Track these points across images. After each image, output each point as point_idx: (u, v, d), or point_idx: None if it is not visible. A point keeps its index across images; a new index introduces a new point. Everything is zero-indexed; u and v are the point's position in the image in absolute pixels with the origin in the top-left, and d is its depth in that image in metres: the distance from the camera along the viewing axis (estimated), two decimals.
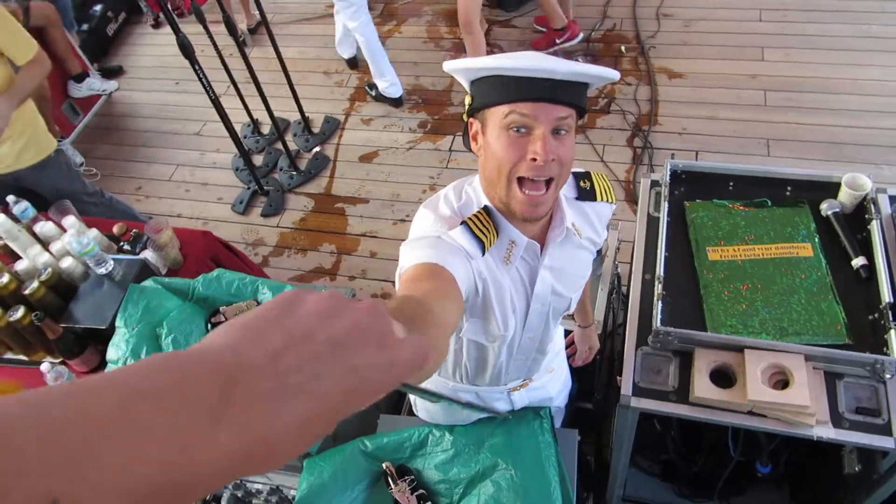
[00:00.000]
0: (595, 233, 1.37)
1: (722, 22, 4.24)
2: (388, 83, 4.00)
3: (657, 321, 1.66)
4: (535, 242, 1.25)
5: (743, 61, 3.96)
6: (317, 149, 3.95)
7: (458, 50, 4.45)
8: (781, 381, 1.56)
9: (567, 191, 1.31)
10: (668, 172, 2.00)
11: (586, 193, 1.33)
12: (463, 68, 1.13)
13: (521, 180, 1.12)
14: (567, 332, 1.98)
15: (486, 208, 1.21)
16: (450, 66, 1.14)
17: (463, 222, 1.18)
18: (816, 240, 1.83)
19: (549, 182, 1.12)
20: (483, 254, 1.17)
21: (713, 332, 1.67)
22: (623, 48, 4.20)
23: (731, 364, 1.60)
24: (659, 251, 1.82)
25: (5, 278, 2.09)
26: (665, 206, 1.91)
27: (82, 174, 2.95)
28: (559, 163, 1.10)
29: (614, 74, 1.15)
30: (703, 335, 1.64)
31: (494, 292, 1.24)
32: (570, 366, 1.94)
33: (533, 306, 1.34)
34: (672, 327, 1.65)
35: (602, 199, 1.35)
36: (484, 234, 1.18)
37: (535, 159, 1.08)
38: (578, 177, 1.34)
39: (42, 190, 2.82)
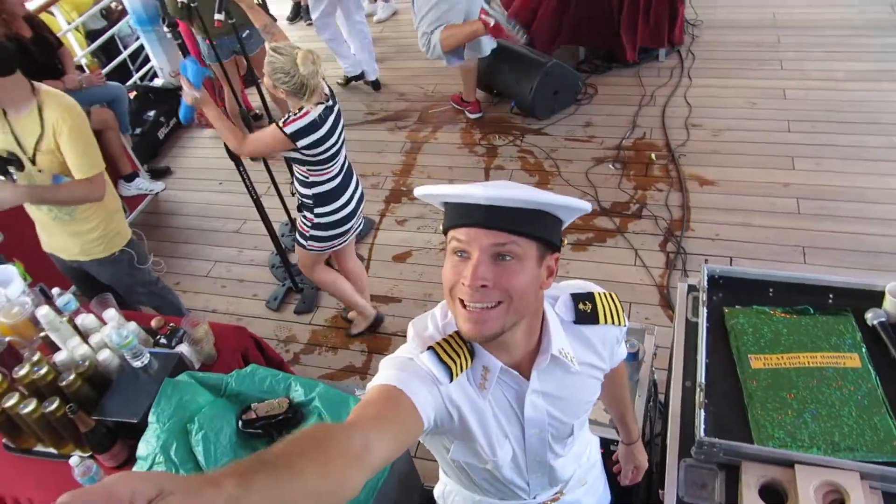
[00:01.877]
0: (598, 358, 1.32)
1: (751, 132, 4.34)
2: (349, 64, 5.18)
3: (701, 431, 1.60)
4: (510, 369, 1.20)
5: (774, 170, 4.01)
6: None
7: (491, 156, 4.59)
8: (836, 500, 1.47)
9: (565, 314, 1.28)
10: (706, 277, 1.98)
11: (587, 316, 1.28)
12: (422, 195, 1.16)
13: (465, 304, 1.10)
14: (606, 443, 1.90)
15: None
16: (417, 192, 1.18)
17: (430, 347, 1.17)
18: (864, 350, 1.78)
19: (495, 306, 1.08)
20: (451, 380, 1.15)
21: (759, 444, 1.60)
22: (653, 155, 4.29)
23: (781, 480, 1.52)
24: (699, 358, 1.78)
25: (45, 369, 2.11)
26: (704, 311, 1.88)
27: (149, 268, 3.03)
28: (501, 290, 1.07)
29: (570, 202, 1.10)
30: (751, 448, 1.57)
31: (474, 418, 1.20)
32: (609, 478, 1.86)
33: (528, 431, 1.29)
34: (717, 438, 1.58)
35: (607, 322, 1.29)
36: (453, 359, 1.15)
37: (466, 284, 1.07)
38: (578, 298, 1.29)
39: (102, 279, 2.91)
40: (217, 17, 3.06)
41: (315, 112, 2.59)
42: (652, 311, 3.32)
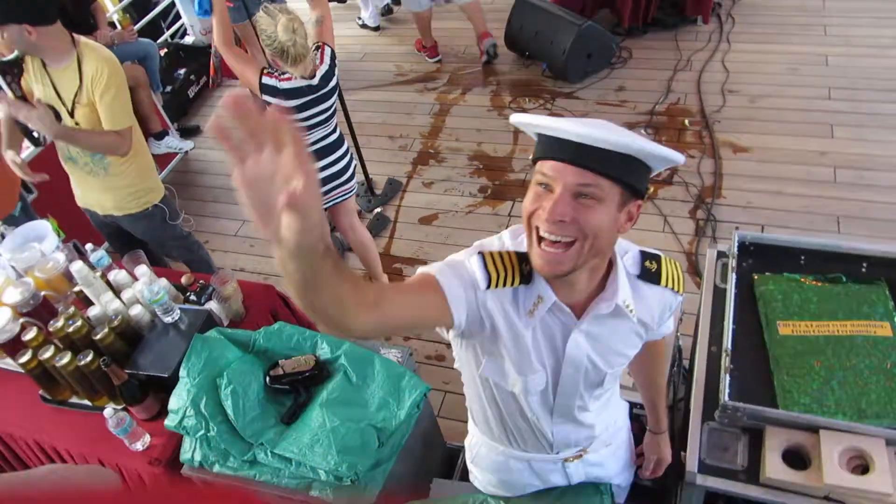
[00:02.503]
0: (650, 316, 1.33)
1: (789, 99, 4.22)
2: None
3: (725, 395, 1.59)
4: (564, 306, 1.23)
5: (811, 138, 3.90)
6: (378, 209, 4.03)
7: None
8: (860, 465, 1.46)
9: (631, 266, 1.29)
10: (736, 243, 1.96)
11: (650, 275, 1.30)
12: (518, 122, 1.16)
13: (541, 238, 1.12)
14: (637, 423, 1.89)
15: (524, 255, 1.20)
16: (514, 119, 1.18)
17: (480, 252, 1.21)
18: (895, 319, 1.75)
19: (571, 244, 1.10)
20: (488, 286, 1.18)
21: (785, 409, 1.59)
22: (687, 121, 4.20)
23: (805, 444, 1.52)
24: (726, 323, 1.76)
25: (79, 323, 2.16)
26: (733, 277, 1.86)
27: (180, 224, 3.08)
28: (577, 227, 1.08)
29: (663, 153, 1.09)
30: (775, 412, 1.56)
31: (509, 337, 1.24)
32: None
33: (566, 370, 1.31)
34: (741, 402, 1.58)
35: (667, 286, 1.31)
36: (498, 270, 1.19)
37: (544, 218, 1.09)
38: (646, 256, 1.31)
39: (135, 233, 2.97)
40: None
41: (292, 83, 2.61)
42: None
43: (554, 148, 1.08)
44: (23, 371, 2.17)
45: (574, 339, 1.27)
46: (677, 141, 4.10)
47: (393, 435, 1.90)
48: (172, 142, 4.69)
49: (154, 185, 2.91)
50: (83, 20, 4.19)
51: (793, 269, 1.93)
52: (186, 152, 4.86)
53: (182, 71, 5.19)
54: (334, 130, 2.90)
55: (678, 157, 1.12)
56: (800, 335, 1.74)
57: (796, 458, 1.53)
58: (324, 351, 2.10)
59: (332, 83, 2.71)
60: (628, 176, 1.08)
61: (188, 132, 5.04)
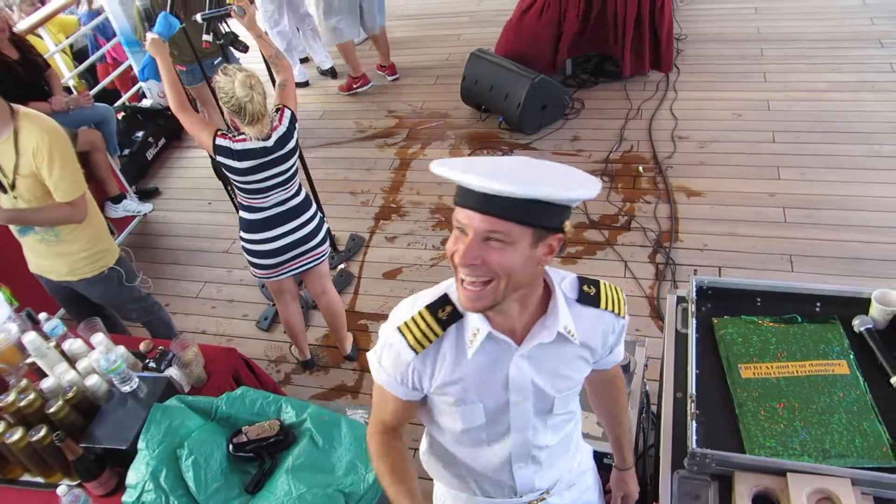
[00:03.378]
0: (593, 340, 1.36)
1: (736, 143, 4.38)
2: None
3: (692, 442, 1.60)
4: (500, 334, 1.27)
5: (760, 180, 4.05)
6: (342, 266, 4.02)
7: None
8: None
9: (569, 291, 1.33)
10: (694, 288, 1.99)
11: (589, 298, 1.34)
12: (436, 172, 1.17)
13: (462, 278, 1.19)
14: (602, 463, 1.89)
15: (434, 303, 1.30)
16: (433, 168, 1.19)
17: (398, 327, 1.30)
18: (851, 356, 1.78)
19: (488, 282, 1.16)
20: (416, 354, 1.28)
21: (751, 453, 1.60)
22: (641, 168, 4.32)
23: (773, 489, 1.52)
24: (689, 368, 1.78)
25: (31, 396, 2.09)
26: (693, 322, 1.89)
27: (138, 285, 3.01)
28: (489, 269, 1.14)
29: (569, 195, 1.11)
30: (743, 458, 1.57)
31: (451, 372, 1.30)
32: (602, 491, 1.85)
33: (513, 398, 1.33)
34: (708, 448, 1.58)
35: (607, 308, 1.35)
36: (415, 336, 1.28)
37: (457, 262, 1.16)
38: (584, 281, 1.36)
39: (91, 297, 2.90)
40: (205, 38, 3.07)
41: (245, 145, 2.59)
42: (642, 323, 3.33)
43: (465, 196, 1.13)
44: None
45: (516, 364, 1.30)
46: (633, 187, 4.20)
47: (362, 500, 1.85)
48: (130, 205, 4.64)
49: (108, 246, 2.85)
50: (38, 87, 4.16)
51: (750, 311, 1.97)
52: (145, 215, 4.80)
53: (140, 133, 5.17)
54: (297, 193, 2.84)
55: (589, 192, 1.14)
56: (761, 377, 1.77)
57: (767, 503, 1.53)
58: (289, 415, 2.06)
59: (290, 145, 2.68)
60: (537, 218, 1.12)
61: (147, 194, 5.00)
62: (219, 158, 2.62)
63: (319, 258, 3.02)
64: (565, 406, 1.42)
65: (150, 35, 2.76)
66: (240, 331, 3.74)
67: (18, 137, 2.47)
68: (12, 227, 2.73)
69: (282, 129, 2.65)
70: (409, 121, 5.32)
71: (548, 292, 1.31)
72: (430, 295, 1.33)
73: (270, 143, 2.61)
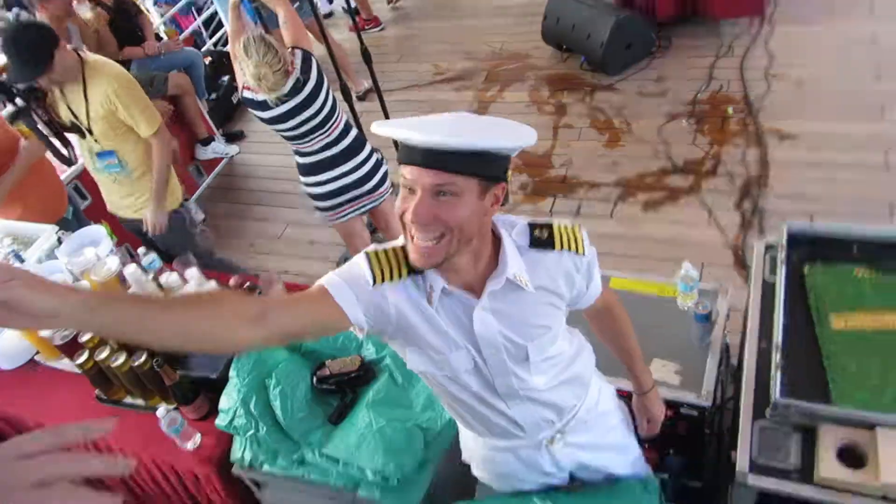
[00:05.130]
0: (552, 283, 1.34)
1: (836, 81, 4.08)
2: None
3: (776, 392, 1.56)
4: (455, 289, 1.27)
5: (861, 122, 3.77)
6: None
7: (561, 113, 4.50)
8: None
9: (520, 238, 1.32)
10: (786, 235, 1.91)
11: (542, 242, 1.32)
12: (377, 132, 1.20)
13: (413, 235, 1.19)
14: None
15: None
16: (374, 128, 1.22)
17: (366, 252, 1.28)
18: None
19: (441, 237, 1.17)
20: (374, 284, 1.24)
21: (839, 406, 1.55)
22: (731, 109, 4.11)
23: (860, 442, 1.48)
24: (776, 318, 1.72)
25: None
26: (783, 270, 1.81)
27: (200, 233, 3.15)
28: (440, 223, 1.15)
29: (506, 143, 1.16)
30: (829, 409, 1.52)
31: (422, 321, 1.29)
32: (661, 438, 1.84)
33: (485, 351, 1.33)
34: (793, 399, 1.54)
35: (563, 248, 1.33)
36: (382, 267, 1.26)
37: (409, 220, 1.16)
38: (535, 226, 1.33)
39: (157, 241, 3.05)
40: None
41: (257, 95, 2.58)
42: (725, 273, 3.22)
43: (409, 153, 1.15)
44: (79, 371, 2.25)
45: (478, 317, 1.30)
46: (721, 130, 4.01)
47: (439, 435, 1.91)
48: (218, 147, 4.80)
49: (173, 186, 3.02)
50: (131, 32, 4.31)
51: (846, 260, 1.87)
52: (232, 157, 4.96)
53: (226, 78, 5.29)
54: (343, 136, 2.81)
55: (527, 141, 1.19)
56: (855, 329, 1.69)
57: (852, 457, 1.48)
58: (369, 352, 2.12)
59: (308, 89, 2.60)
60: (481, 168, 1.15)
61: (233, 137, 5.15)
62: (249, 110, 2.66)
63: (379, 199, 3.03)
64: (542, 352, 1.40)
65: None
66: (320, 272, 3.81)
67: (87, 86, 2.68)
68: (90, 167, 2.97)
69: (295, 75, 2.57)
70: (487, 63, 5.22)
71: (498, 243, 1.31)
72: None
73: (285, 90, 2.56)
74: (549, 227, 1.34)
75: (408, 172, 1.16)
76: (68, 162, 3.07)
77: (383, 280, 1.25)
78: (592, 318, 1.64)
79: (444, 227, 1.16)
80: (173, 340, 1.05)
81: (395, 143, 1.25)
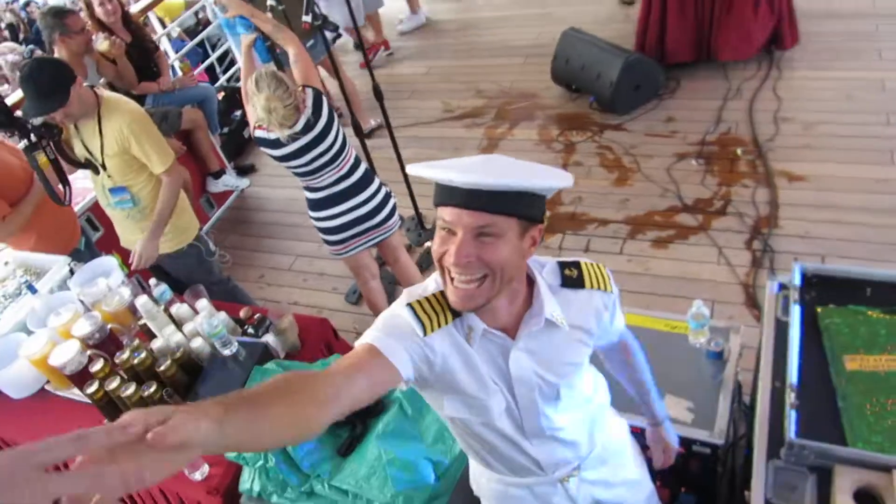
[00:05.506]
0: (585, 321, 1.36)
1: (845, 126, 4.12)
2: None
3: (791, 433, 1.54)
4: (493, 331, 1.27)
5: (870, 165, 3.80)
6: (428, 244, 4.07)
7: (570, 151, 4.55)
8: None
9: (551, 278, 1.33)
10: (799, 275, 1.91)
11: (573, 281, 1.34)
12: (413, 173, 1.19)
13: (453, 277, 1.18)
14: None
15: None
16: (409, 170, 1.21)
17: (409, 303, 1.26)
18: None
19: (482, 279, 1.16)
20: (424, 334, 1.23)
21: (854, 447, 1.53)
22: (740, 151, 4.14)
23: (877, 485, 1.45)
24: (790, 357, 1.71)
25: (143, 355, 2.24)
26: (797, 309, 1.81)
27: (216, 261, 3.18)
28: (483, 264, 1.14)
29: (546, 183, 1.16)
30: (845, 451, 1.51)
31: (463, 365, 1.28)
32: (673, 475, 1.82)
33: (518, 390, 1.33)
34: (808, 440, 1.53)
35: (593, 287, 1.35)
36: (429, 315, 1.24)
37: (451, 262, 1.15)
38: (565, 265, 1.35)
39: (175, 273, 3.08)
40: (305, 18, 3.15)
41: (270, 134, 2.60)
42: (736, 311, 3.22)
43: (448, 194, 1.14)
44: (89, 401, 2.25)
45: (514, 358, 1.30)
46: (730, 171, 4.04)
47: (449, 469, 1.90)
48: (229, 180, 4.86)
49: (189, 223, 3.05)
50: (147, 68, 4.41)
51: (859, 301, 1.87)
52: (242, 190, 5.02)
53: (238, 112, 5.39)
54: (352, 171, 2.85)
55: (565, 183, 1.20)
56: (869, 370, 1.68)
57: (868, 500, 1.46)
58: None
59: (319, 127, 2.65)
60: (521, 209, 1.15)
61: (244, 171, 5.22)
62: (261, 149, 2.71)
63: (387, 232, 3.04)
64: (571, 388, 1.42)
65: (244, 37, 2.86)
66: (329, 303, 3.86)
67: (101, 122, 2.72)
68: (103, 202, 3.00)
69: (307, 113, 2.61)
70: (498, 100, 5.30)
71: (531, 285, 1.32)
72: (432, 286, 1.31)
73: (297, 128, 2.59)
74: (578, 265, 1.36)
75: (447, 214, 1.15)
76: (60, 203, 3.03)
77: (432, 329, 1.24)
78: (609, 351, 1.64)
79: (487, 269, 1.15)
80: (272, 442, 1.02)
81: (406, 179, 1.26)
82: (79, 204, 3.63)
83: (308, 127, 2.62)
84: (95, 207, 3.66)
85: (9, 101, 3.23)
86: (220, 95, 5.30)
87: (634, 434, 1.78)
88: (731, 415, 2.13)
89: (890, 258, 3.26)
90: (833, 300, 1.89)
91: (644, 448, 1.83)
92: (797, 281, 1.90)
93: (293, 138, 2.61)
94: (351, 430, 2.02)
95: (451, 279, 1.18)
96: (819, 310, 1.87)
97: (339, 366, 1.16)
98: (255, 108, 2.54)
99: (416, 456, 1.87)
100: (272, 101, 2.49)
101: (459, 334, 1.28)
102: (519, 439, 1.42)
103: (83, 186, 3.60)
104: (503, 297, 1.25)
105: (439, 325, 1.25)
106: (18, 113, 2.77)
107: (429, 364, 1.26)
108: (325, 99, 2.71)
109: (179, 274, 3.11)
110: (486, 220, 1.13)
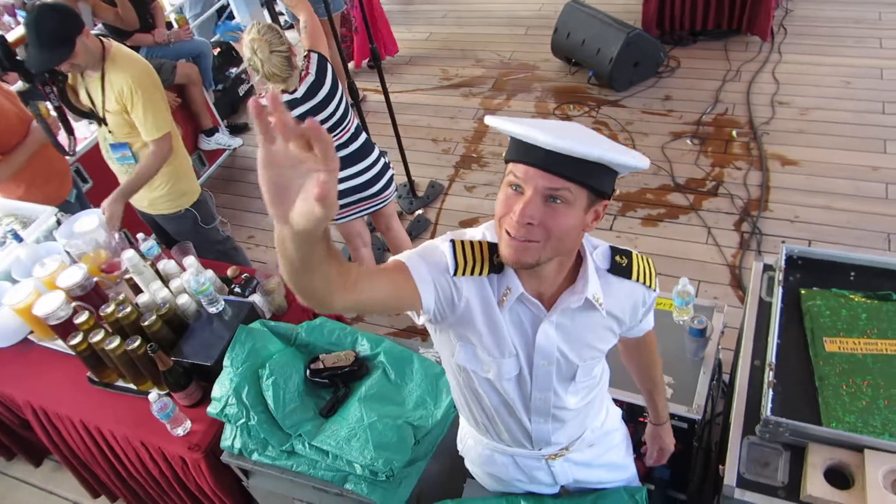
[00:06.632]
0: (621, 310, 1.35)
1: (841, 112, 4.13)
2: None
3: (767, 410, 1.57)
4: (531, 297, 1.26)
5: (863, 152, 3.82)
6: (419, 211, 4.07)
7: None
8: None
9: (601, 261, 1.31)
10: (784, 257, 1.93)
11: (621, 269, 1.32)
12: (492, 124, 1.17)
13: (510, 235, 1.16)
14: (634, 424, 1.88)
15: (496, 245, 1.23)
16: (488, 120, 1.19)
17: (451, 240, 1.25)
18: None
19: (538, 241, 1.13)
20: (454, 274, 1.22)
21: (828, 427, 1.56)
22: (734, 132, 4.14)
23: (848, 464, 1.49)
24: (771, 337, 1.74)
25: (128, 309, 2.23)
26: (779, 291, 1.83)
27: (215, 228, 3.14)
28: (545, 229, 1.12)
29: (629, 161, 1.12)
30: (819, 429, 1.54)
31: (485, 320, 1.27)
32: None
33: (537, 361, 1.33)
34: (783, 417, 1.55)
35: (638, 280, 1.33)
36: (466, 259, 1.23)
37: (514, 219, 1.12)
38: (617, 251, 1.34)
39: (169, 232, 3.06)
40: None
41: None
42: (721, 291, 3.24)
43: (525, 152, 1.11)
44: (73, 353, 2.25)
45: (543, 329, 1.29)
46: (724, 152, 4.04)
47: (429, 433, 1.92)
48: (222, 138, 4.81)
49: (188, 188, 2.97)
50: (142, 19, 4.33)
51: (842, 285, 1.89)
52: (235, 149, 4.96)
53: (233, 70, 5.32)
54: (353, 139, 2.82)
55: (643, 164, 1.16)
56: (847, 352, 1.71)
57: (839, 477, 1.50)
58: (363, 348, 2.13)
59: (323, 93, 2.62)
60: (596, 180, 1.12)
61: (237, 129, 5.16)
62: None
63: (383, 202, 3.03)
64: (588, 374, 1.41)
65: None
66: (275, 245, 3.83)
67: (105, 76, 2.62)
68: (105, 156, 2.92)
69: (310, 79, 2.57)
70: (495, 71, 5.25)
71: (579, 260, 1.30)
72: (491, 234, 1.29)
73: (299, 94, 2.56)
74: (630, 255, 1.35)
75: (520, 171, 1.12)
76: (66, 154, 3.03)
77: (464, 272, 1.23)
78: (628, 346, 1.63)
79: (546, 233, 1.13)
80: (318, 285, 1.00)
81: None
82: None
83: (311, 92, 2.59)
84: (85, 158, 3.62)
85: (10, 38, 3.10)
86: (216, 51, 5.23)
87: (641, 423, 1.79)
88: (709, 391, 2.15)
89: (877, 246, 3.29)
90: (817, 283, 1.91)
91: (640, 443, 1.86)
92: (783, 263, 1.91)
93: (295, 103, 2.58)
94: (334, 392, 2.04)
95: (507, 231, 1.16)
96: (803, 292, 1.89)
97: (370, 269, 1.17)
98: (246, 52, 2.49)
99: (396, 419, 1.88)
100: (258, 42, 2.45)
101: (492, 291, 1.26)
102: (519, 408, 1.42)
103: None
104: (552, 265, 1.22)
105: (472, 273, 1.23)
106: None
107: (452, 305, 1.24)
108: (329, 65, 2.68)
109: (174, 234, 3.09)
110: (561, 185, 1.10)
